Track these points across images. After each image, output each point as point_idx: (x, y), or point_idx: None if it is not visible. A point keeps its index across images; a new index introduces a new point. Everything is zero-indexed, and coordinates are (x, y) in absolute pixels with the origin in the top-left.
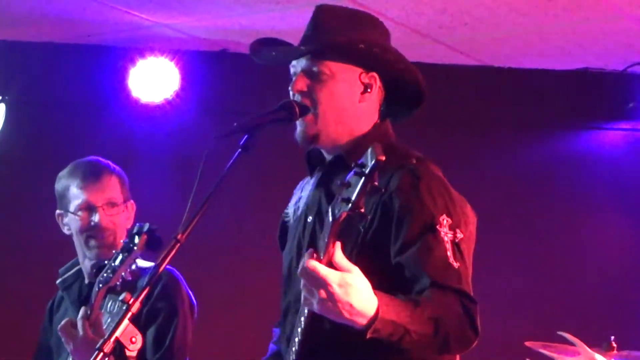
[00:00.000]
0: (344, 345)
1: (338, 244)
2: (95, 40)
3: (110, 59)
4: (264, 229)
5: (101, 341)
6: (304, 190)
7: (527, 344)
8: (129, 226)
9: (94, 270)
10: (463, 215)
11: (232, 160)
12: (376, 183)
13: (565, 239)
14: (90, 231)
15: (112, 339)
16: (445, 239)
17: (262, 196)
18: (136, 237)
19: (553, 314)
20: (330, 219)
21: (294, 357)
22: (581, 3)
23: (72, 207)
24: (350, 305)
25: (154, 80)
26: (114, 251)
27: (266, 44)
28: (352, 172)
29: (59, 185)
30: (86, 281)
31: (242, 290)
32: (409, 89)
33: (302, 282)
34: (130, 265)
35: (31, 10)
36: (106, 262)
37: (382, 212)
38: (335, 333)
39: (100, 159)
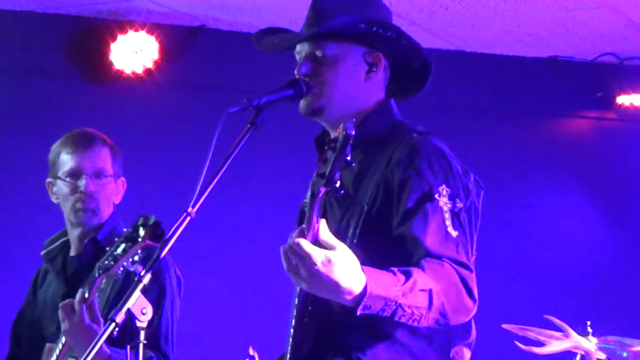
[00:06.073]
0: (340, 324)
1: (323, 221)
2: (76, 10)
3: (91, 31)
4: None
5: (113, 311)
6: None
7: (504, 326)
8: (116, 201)
9: (85, 242)
10: (464, 187)
11: (242, 136)
12: (348, 158)
13: (534, 227)
14: (76, 195)
15: (124, 310)
16: (445, 208)
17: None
18: (141, 229)
19: (529, 299)
20: (310, 195)
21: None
22: None
23: (61, 173)
24: (336, 283)
25: (134, 53)
26: (115, 239)
27: (269, 32)
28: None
29: (51, 153)
30: (72, 253)
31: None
32: (414, 66)
33: (285, 260)
34: (133, 256)
35: None
36: (107, 248)
37: (384, 187)
38: (330, 311)
39: (94, 131)
